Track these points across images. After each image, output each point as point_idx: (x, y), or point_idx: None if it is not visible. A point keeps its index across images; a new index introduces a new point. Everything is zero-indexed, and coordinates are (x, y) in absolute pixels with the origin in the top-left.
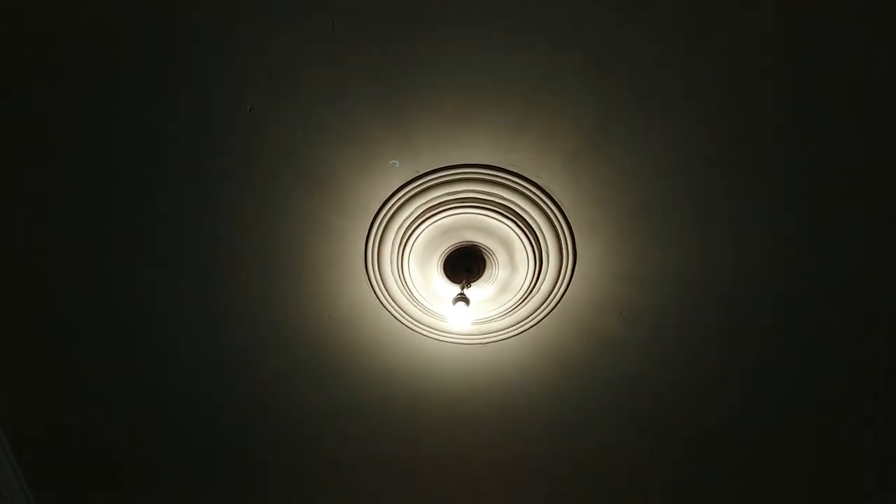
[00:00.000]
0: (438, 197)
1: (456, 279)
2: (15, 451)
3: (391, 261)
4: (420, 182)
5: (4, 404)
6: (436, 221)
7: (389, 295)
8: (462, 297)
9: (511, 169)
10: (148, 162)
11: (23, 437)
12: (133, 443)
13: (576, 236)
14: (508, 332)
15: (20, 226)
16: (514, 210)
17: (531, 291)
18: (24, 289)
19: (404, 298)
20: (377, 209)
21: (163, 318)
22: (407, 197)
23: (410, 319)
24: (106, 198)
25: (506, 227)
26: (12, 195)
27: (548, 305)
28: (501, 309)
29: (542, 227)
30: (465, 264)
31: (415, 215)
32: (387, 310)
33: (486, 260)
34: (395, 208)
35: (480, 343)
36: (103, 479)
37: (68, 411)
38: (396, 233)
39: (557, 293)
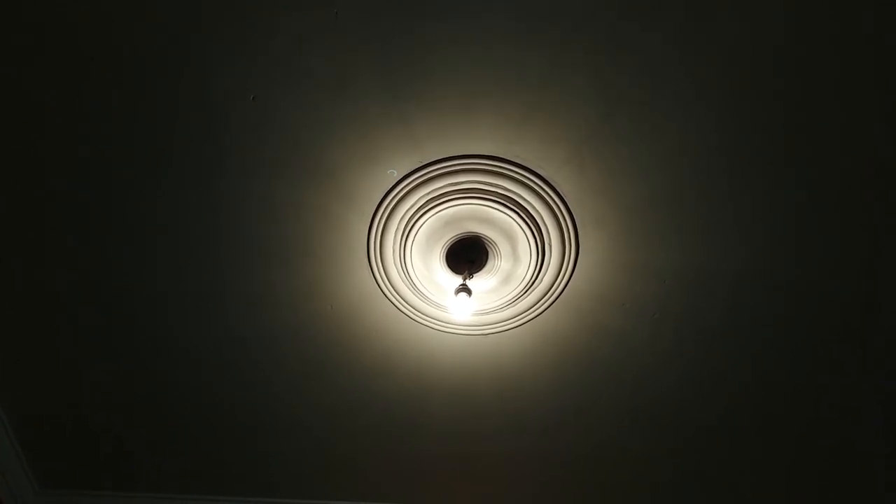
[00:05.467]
0: (441, 187)
1: (458, 270)
2: (20, 442)
3: (394, 251)
4: (423, 172)
5: (11, 397)
6: (438, 212)
7: (392, 285)
8: (464, 288)
9: (515, 160)
10: (149, 153)
11: (28, 429)
12: (136, 434)
13: (578, 228)
14: (510, 324)
15: (22, 223)
16: (517, 201)
17: (533, 283)
18: (28, 285)
19: (406, 289)
20: (380, 199)
21: (165, 309)
22: (410, 187)
23: (412, 309)
24: (107, 190)
25: (509, 218)
26: (13, 191)
27: (550, 297)
28: (503, 300)
29: (545, 218)
30: (467, 255)
31: (418, 206)
32: (389, 300)
33: (489, 251)
34: (397, 198)
35: (482, 334)
36: (107, 470)
37: (73, 404)
38: (399, 223)
39: (559, 285)
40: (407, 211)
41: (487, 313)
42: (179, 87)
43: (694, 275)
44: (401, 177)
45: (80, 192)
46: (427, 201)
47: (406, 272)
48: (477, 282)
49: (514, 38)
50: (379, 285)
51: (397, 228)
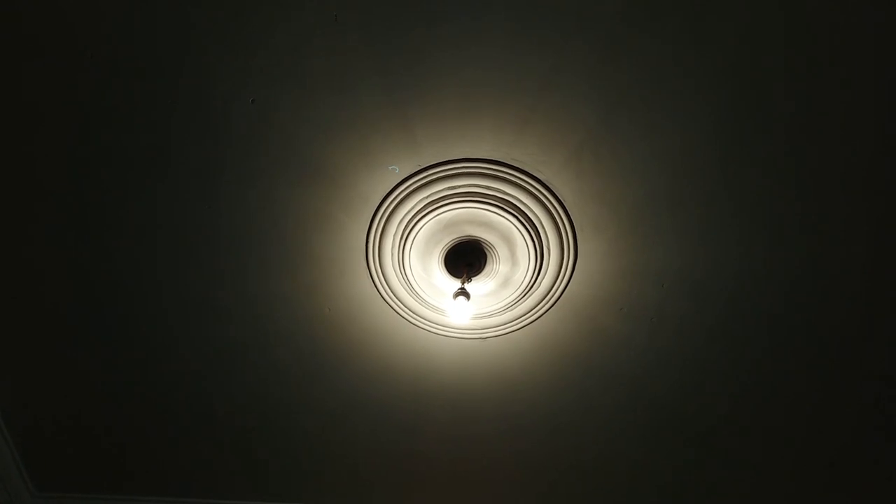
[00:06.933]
0: (440, 191)
1: (457, 273)
2: (17, 445)
3: (392, 254)
4: (422, 176)
5: (8, 401)
6: (437, 215)
7: (390, 288)
8: (462, 292)
9: (513, 164)
10: (148, 155)
11: (26, 432)
12: (133, 438)
13: (577, 232)
14: (508, 327)
15: (22, 224)
16: (515, 205)
17: (532, 287)
18: (27, 287)
19: (405, 292)
20: (379, 202)
21: (164, 311)
22: (409, 191)
23: (411, 313)
24: (107, 191)
25: (507, 222)
26: (14, 192)
27: (548, 301)
28: (502, 304)
29: (543, 222)
30: (466, 259)
31: (416, 209)
32: (387, 303)
33: (487, 255)
34: (396, 202)
35: (480, 338)
36: (104, 473)
37: (70, 407)
38: (398, 226)
39: (558, 289)
40: (406, 214)
41: (486, 317)
42: (178, 89)
43: (692, 277)
44: (400, 180)
45: (79, 193)
46: (426, 205)
47: (404, 275)
48: (475, 285)
49: (514, 40)
50: (377, 288)
51: (396, 231)
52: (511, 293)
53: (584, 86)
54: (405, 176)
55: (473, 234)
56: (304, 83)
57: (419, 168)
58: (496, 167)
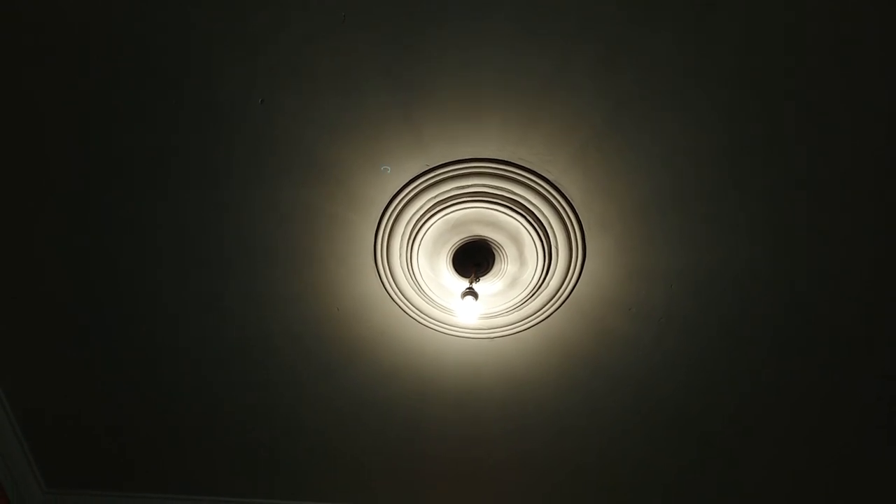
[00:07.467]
0: (448, 191)
1: (465, 273)
2: (28, 441)
3: (400, 254)
4: (430, 176)
5: (19, 398)
6: (445, 215)
7: (398, 288)
8: (470, 292)
9: (521, 163)
10: (157, 155)
11: (36, 429)
12: (143, 435)
13: (585, 232)
14: (516, 327)
15: (22, 224)
16: (523, 205)
17: (540, 287)
18: (27, 287)
19: (413, 292)
20: (387, 203)
21: (171, 311)
22: (416, 191)
23: (418, 312)
24: (114, 191)
25: (515, 221)
26: (15, 192)
27: (556, 301)
28: (510, 304)
29: (551, 222)
30: (474, 258)
31: (424, 209)
32: (395, 303)
33: (496, 254)
34: (404, 202)
35: (488, 337)
36: (114, 470)
37: (81, 405)
38: (406, 226)
39: (566, 289)
40: (414, 214)
41: (493, 317)
42: (182, 89)
43: (700, 278)
44: (408, 180)
45: (86, 193)
46: (434, 205)
47: (413, 275)
48: (483, 285)
49: (519, 41)
50: (385, 288)
51: (404, 231)
52: (519, 293)
53: (587, 85)
54: (413, 176)
55: (481, 233)
56: (312, 84)
57: (427, 168)
58: (503, 167)
